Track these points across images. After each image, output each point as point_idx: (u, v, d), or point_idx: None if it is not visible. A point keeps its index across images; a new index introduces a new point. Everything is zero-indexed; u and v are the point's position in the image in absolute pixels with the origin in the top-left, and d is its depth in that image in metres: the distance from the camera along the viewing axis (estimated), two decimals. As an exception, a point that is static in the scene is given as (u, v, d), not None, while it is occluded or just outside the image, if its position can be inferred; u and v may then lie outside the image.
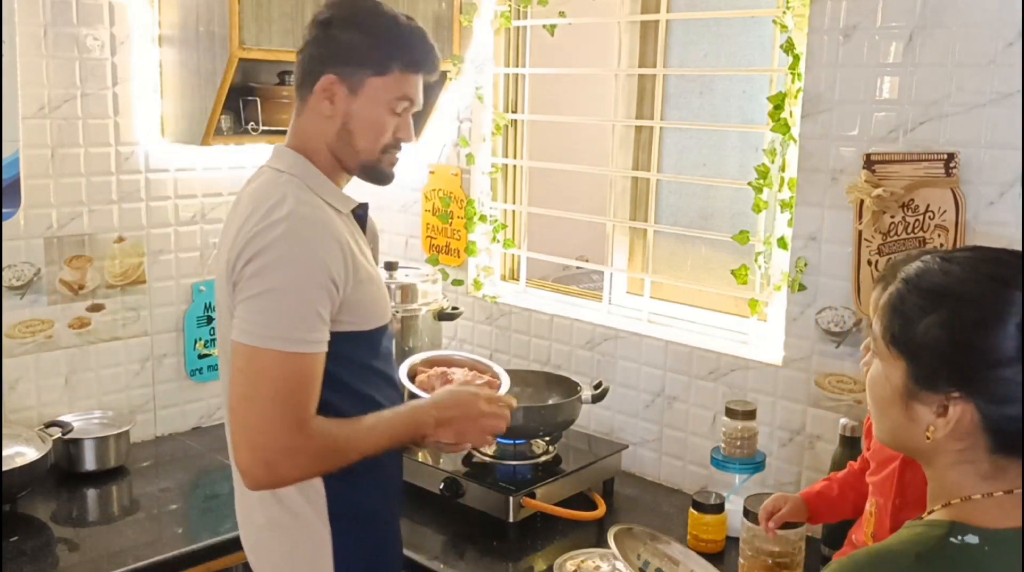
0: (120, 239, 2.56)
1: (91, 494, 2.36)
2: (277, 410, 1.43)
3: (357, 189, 1.69)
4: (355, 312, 1.56)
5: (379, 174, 1.65)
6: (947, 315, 1.04)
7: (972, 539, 1.03)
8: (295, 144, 1.62)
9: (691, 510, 2.10)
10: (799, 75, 2.15)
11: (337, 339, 1.52)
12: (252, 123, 2.54)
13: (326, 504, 1.59)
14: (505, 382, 1.98)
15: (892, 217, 1.99)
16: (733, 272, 2.34)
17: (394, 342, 1.85)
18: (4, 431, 2.25)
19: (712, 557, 2.00)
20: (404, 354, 2.26)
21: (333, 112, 1.57)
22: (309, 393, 1.47)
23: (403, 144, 1.64)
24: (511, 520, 2.12)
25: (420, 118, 2.88)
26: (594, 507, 2.23)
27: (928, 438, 1.07)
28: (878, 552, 1.08)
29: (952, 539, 1.04)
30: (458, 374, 2.00)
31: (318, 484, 1.58)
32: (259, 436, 1.44)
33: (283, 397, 1.44)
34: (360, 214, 1.68)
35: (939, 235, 1.94)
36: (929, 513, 1.11)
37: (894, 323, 1.09)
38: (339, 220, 1.57)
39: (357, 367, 1.60)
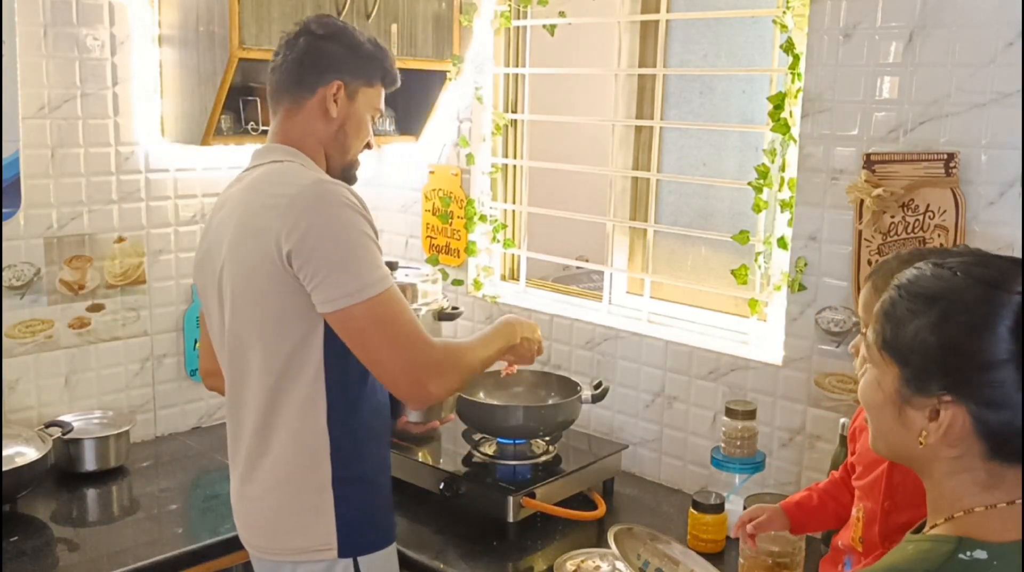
0: (120, 239, 2.56)
1: (91, 494, 2.36)
2: (416, 335, 1.61)
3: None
4: None
5: (352, 175, 1.83)
6: (935, 318, 1.04)
7: (981, 554, 1.02)
8: (288, 142, 1.75)
9: (691, 510, 2.10)
10: (799, 75, 2.15)
11: None
12: (252, 123, 2.55)
13: (330, 469, 1.67)
14: None
15: (892, 217, 1.99)
16: (733, 272, 2.34)
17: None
18: (4, 431, 2.25)
19: (712, 557, 2.00)
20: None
21: (336, 114, 1.74)
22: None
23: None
24: (511, 520, 2.12)
25: (420, 119, 2.88)
26: (594, 507, 2.23)
27: (921, 444, 1.07)
28: (885, 570, 1.07)
29: (961, 555, 1.03)
30: None
31: (324, 450, 1.66)
32: (414, 364, 1.60)
33: (411, 324, 1.61)
34: None
35: (939, 235, 1.94)
36: (932, 527, 1.09)
37: (885, 328, 1.09)
38: None
39: None
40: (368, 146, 1.83)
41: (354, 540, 1.69)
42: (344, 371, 1.66)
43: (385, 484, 1.79)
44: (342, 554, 1.67)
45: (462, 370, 1.69)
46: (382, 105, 1.83)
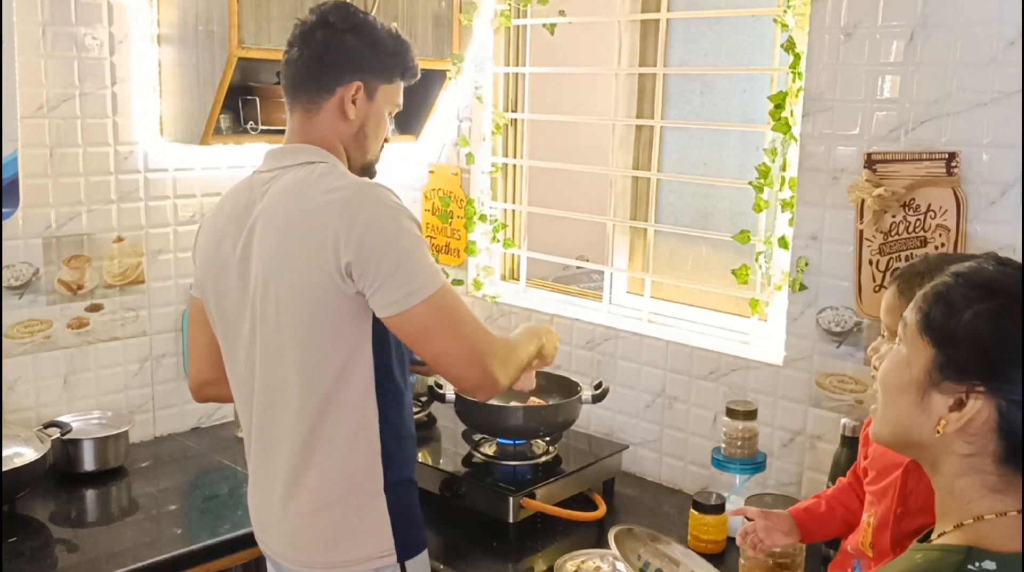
0: (119, 239, 2.55)
1: (90, 495, 2.35)
2: (476, 325, 1.62)
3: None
4: None
5: (373, 172, 1.80)
6: (997, 308, 1.03)
7: (990, 565, 1.01)
8: (313, 142, 1.68)
9: (692, 510, 2.10)
10: (800, 74, 2.14)
11: None
12: (251, 122, 2.54)
13: (383, 474, 1.66)
14: None
15: (893, 217, 1.98)
16: (734, 272, 2.33)
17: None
18: (3, 431, 2.24)
19: (712, 557, 1.99)
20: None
21: (356, 115, 1.69)
22: None
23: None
24: (511, 520, 2.12)
25: (420, 118, 2.87)
26: (594, 507, 2.23)
27: (938, 432, 1.05)
28: None
29: (970, 566, 1.02)
30: None
31: (376, 457, 1.65)
32: (481, 354, 1.60)
33: (469, 315, 1.62)
34: None
35: (940, 235, 1.93)
36: (940, 535, 1.08)
37: (935, 310, 1.07)
38: None
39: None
40: (385, 140, 1.79)
41: (404, 543, 1.67)
42: (391, 376, 1.64)
43: (417, 483, 1.77)
44: (399, 558, 1.66)
45: (518, 361, 1.71)
46: (400, 99, 1.77)
